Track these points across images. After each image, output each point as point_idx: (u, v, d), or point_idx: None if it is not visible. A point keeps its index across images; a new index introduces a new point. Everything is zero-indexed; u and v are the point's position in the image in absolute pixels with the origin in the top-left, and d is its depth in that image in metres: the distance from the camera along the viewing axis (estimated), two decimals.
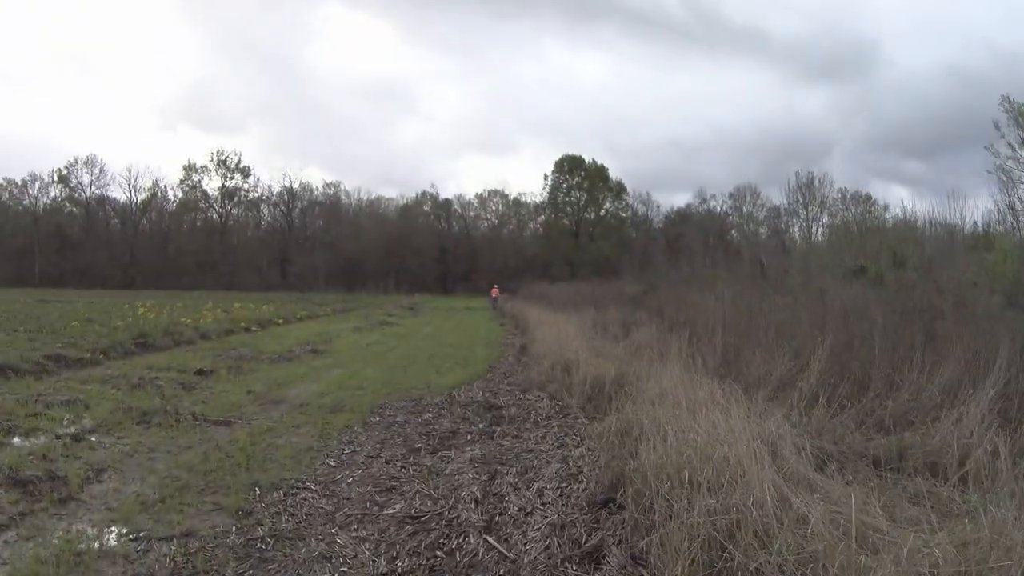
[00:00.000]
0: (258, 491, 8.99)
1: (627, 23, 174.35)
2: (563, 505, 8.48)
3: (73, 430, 11.62)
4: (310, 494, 8.99)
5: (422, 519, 8.16)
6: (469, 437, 12.34)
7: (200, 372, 18.84)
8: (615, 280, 56.43)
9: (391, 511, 8.44)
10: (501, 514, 8.28)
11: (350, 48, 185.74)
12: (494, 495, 8.98)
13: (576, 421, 13.31)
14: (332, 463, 10.46)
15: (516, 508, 8.44)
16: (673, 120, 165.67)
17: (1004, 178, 49.00)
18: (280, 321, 37.98)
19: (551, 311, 38.54)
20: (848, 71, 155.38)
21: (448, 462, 10.57)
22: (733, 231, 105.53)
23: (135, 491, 8.86)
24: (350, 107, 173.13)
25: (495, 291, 70.92)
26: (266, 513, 8.22)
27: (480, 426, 13.24)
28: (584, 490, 8.87)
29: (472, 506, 8.52)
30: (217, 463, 10.14)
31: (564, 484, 9.29)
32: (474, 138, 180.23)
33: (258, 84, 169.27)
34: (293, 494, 8.95)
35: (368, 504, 8.69)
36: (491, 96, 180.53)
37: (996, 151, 50.70)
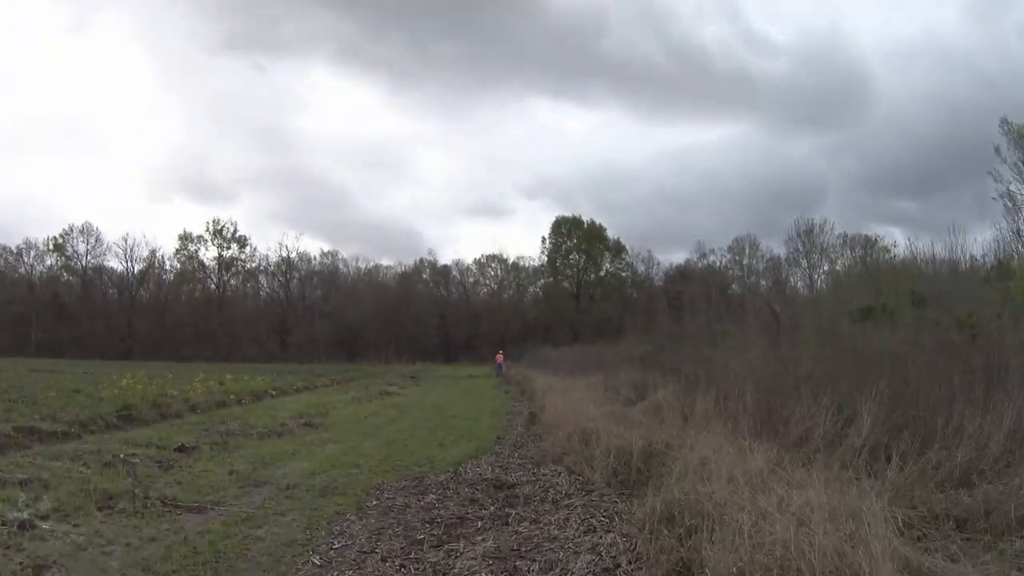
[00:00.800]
0: None
1: (612, 78, 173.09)
2: None
3: (25, 515, 9.88)
4: None
5: None
6: (480, 524, 10.61)
7: (181, 449, 17.10)
8: (619, 341, 55.72)
9: None
10: None
11: (338, 115, 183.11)
12: None
13: (602, 500, 11.63)
14: (318, 561, 8.80)
15: None
16: (663, 173, 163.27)
17: (1009, 204, 48.24)
18: (274, 393, 36.21)
19: (558, 376, 37.36)
20: (836, 111, 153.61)
21: (456, 557, 8.90)
22: (734, 284, 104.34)
23: None
24: (342, 174, 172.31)
25: (500, 357, 68.89)
26: None
27: (491, 509, 11.51)
28: None
29: None
30: (180, 562, 8.53)
31: None
32: (467, 202, 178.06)
33: (249, 153, 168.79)
34: None
35: None
36: (480, 159, 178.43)
37: (998, 175, 50.07)
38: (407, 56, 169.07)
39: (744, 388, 16.10)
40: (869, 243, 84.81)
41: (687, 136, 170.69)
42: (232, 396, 31.38)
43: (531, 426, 22.73)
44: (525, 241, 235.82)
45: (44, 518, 10.06)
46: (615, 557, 8.33)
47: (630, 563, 7.99)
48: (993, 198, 47.42)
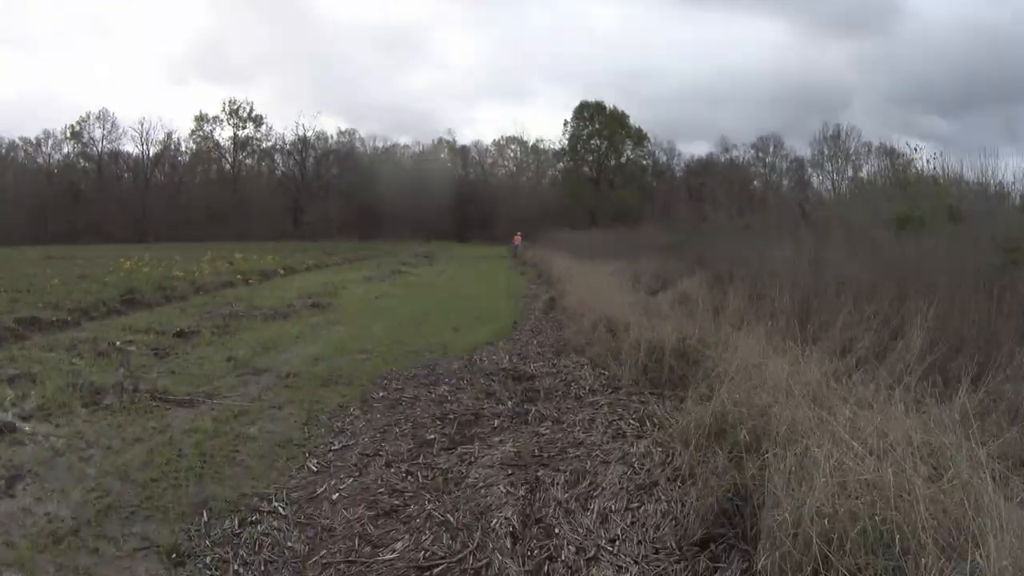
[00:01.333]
0: (206, 517, 6.42)
1: None
2: (640, 542, 5.85)
3: (9, 416, 8.97)
4: (276, 522, 6.37)
5: (435, 570, 5.51)
6: (496, 423, 9.58)
7: (180, 334, 16.13)
8: (638, 229, 53.89)
9: (389, 555, 5.80)
10: (551, 559, 5.67)
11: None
12: (538, 523, 6.33)
13: (630, 399, 10.64)
14: (314, 466, 7.79)
15: (573, 549, 5.80)
16: (690, 68, 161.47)
17: None
18: (283, 272, 35.15)
19: (576, 260, 36.22)
20: (870, 21, 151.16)
21: (471, 463, 7.87)
22: (755, 181, 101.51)
23: (47, 513, 6.40)
24: (362, 55, 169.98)
25: (517, 238, 68.16)
26: (209, 559, 5.65)
27: (509, 404, 10.50)
28: (668, 517, 6.24)
29: (508, 544, 5.89)
30: (162, 468, 7.56)
31: (634, 503, 6.65)
32: (488, 85, 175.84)
33: (267, 33, 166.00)
34: (252, 523, 6.35)
35: (357, 542, 6.07)
36: (504, 43, 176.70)
37: None
38: None
39: (780, 286, 15.01)
40: (896, 154, 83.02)
41: (718, 30, 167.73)
42: (239, 276, 30.52)
43: (550, 311, 21.63)
44: (546, 125, 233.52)
45: (27, 418, 9.17)
46: (650, 471, 7.32)
47: (669, 480, 6.99)
48: None
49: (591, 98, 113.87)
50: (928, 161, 29.30)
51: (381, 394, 11.10)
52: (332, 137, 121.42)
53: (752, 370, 8.50)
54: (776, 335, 11.24)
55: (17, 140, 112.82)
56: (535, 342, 16.51)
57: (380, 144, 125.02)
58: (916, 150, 44.96)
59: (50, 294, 21.59)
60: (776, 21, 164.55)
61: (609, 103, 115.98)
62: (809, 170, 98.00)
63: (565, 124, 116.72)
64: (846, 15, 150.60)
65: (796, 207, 27.03)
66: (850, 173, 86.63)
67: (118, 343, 14.48)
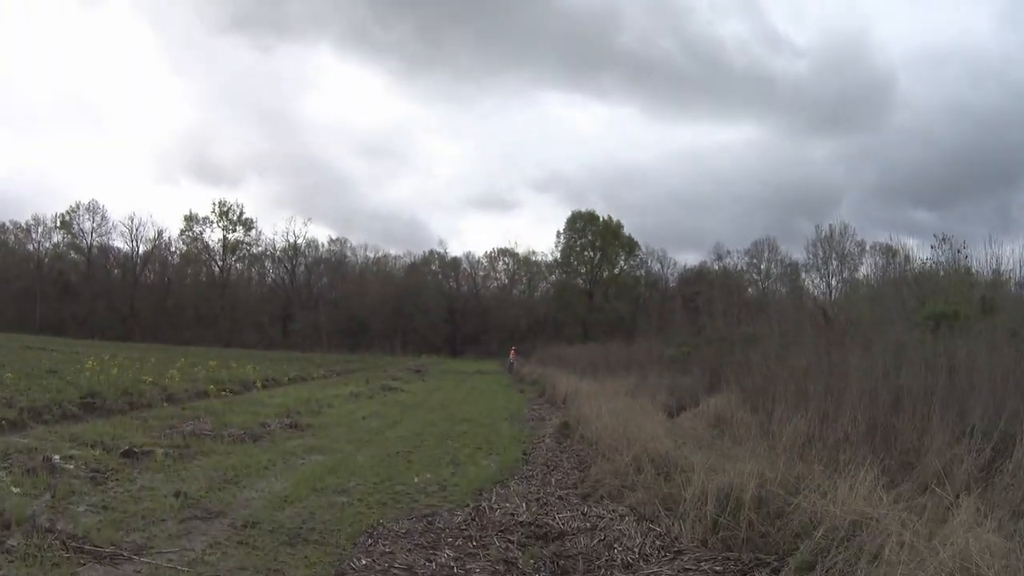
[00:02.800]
0: None
1: (626, 74, 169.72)
2: None
3: None
4: None
5: None
6: None
7: (129, 453, 13.34)
8: (633, 341, 53.57)
9: None
10: None
11: (345, 100, 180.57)
12: None
13: (699, 567, 7.93)
14: None
15: None
16: (676, 174, 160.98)
17: None
18: (263, 384, 32.00)
19: (578, 377, 33.83)
20: (856, 116, 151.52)
21: None
22: (750, 288, 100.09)
23: None
24: (347, 161, 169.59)
25: (513, 353, 65.29)
26: None
27: None
28: None
29: None
30: None
31: None
32: (474, 193, 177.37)
33: (255, 136, 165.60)
34: None
35: None
36: (488, 150, 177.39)
37: None
38: (415, 41, 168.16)
39: (843, 402, 13.19)
40: (892, 251, 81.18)
41: (702, 136, 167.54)
42: (216, 386, 27.70)
43: (564, 439, 19.03)
44: (535, 236, 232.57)
45: None
46: None
47: None
48: None
49: (576, 205, 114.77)
50: (930, 256, 27.76)
51: (364, 561, 8.17)
52: (323, 245, 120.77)
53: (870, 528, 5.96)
54: (853, 462, 9.20)
55: (7, 223, 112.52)
56: (553, 481, 13.69)
57: (371, 254, 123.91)
58: (912, 248, 43.92)
59: (7, 388, 19.46)
60: (762, 125, 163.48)
61: (597, 211, 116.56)
62: (803, 275, 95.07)
63: (558, 235, 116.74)
64: (833, 113, 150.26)
65: (817, 311, 24.70)
66: (846, 274, 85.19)
67: (55, 458, 11.93)
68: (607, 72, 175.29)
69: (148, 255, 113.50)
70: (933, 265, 27.21)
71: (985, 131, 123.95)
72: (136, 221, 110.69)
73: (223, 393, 26.84)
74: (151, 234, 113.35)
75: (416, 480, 13.11)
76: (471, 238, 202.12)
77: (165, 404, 22.36)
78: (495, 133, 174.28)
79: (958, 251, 27.91)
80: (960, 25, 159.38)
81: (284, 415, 21.21)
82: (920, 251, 32.45)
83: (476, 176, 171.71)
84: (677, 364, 30.71)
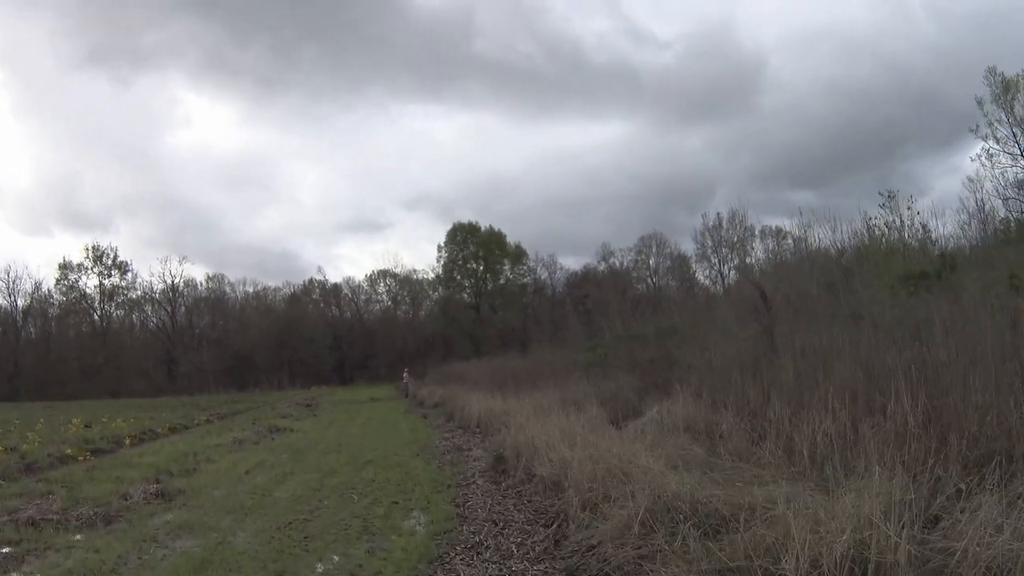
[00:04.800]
0: None
1: (485, 80, 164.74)
2: None
3: None
4: None
5: None
6: None
7: None
8: (527, 351, 53.79)
9: None
10: None
11: (203, 130, 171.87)
12: None
13: None
14: None
15: None
16: (548, 178, 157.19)
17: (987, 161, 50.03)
18: (128, 442, 27.07)
19: (488, 394, 30.04)
20: (727, 103, 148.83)
21: None
22: (639, 285, 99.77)
23: None
24: (214, 195, 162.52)
25: (406, 375, 61.20)
26: None
27: None
28: None
29: None
30: None
31: None
32: (345, 218, 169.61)
33: (120, 176, 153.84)
34: None
35: None
36: (353, 171, 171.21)
37: (982, 130, 47.96)
38: (270, 62, 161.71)
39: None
40: (784, 233, 79.82)
41: (571, 137, 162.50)
42: (77, 449, 23.64)
43: (500, 478, 15.33)
44: (412, 255, 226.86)
45: None
46: None
47: None
48: (973, 157, 49.76)
49: (448, 220, 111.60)
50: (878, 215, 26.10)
51: None
52: (201, 284, 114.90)
53: None
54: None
55: None
56: (515, 549, 9.90)
57: (250, 288, 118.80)
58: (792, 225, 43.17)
59: None
60: (631, 120, 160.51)
61: (485, 223, 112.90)
62: (693, 266, 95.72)
63: (439, 249, 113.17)
64: (703, 102, 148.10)
65: (754, 292, 21.89)
66: (736, 261, 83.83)
67: None
68: (466, 80, 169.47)
69: (27, 309, 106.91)
70: (874, 231, 25.75)
71: (860, 106, 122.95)
72: (12, 275, 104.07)
73: (85, 457, 22.68)
74: (28, 287, 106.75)
75: (319, 571, 9.32)
76: (347, 263, 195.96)
77: (24, 475, 18.94)
78: (357, 153, 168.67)
79: (908, 207, 26.42)
80: (828, 2, 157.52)
81: (153, 479, 17.13)
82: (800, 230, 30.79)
83: (343, 200, 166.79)
84: (593, 369, 27.67)
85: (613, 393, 21.57)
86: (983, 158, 51.03)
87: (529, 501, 12.72)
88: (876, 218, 26.53)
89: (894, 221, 26.50)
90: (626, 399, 20.48)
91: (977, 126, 51.86)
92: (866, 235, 26.47)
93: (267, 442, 26.26)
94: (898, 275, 19.59)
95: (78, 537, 11.99)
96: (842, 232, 25.58)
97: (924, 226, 25.29)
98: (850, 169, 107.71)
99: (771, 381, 14.24)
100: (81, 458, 22.45)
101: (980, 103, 50.71)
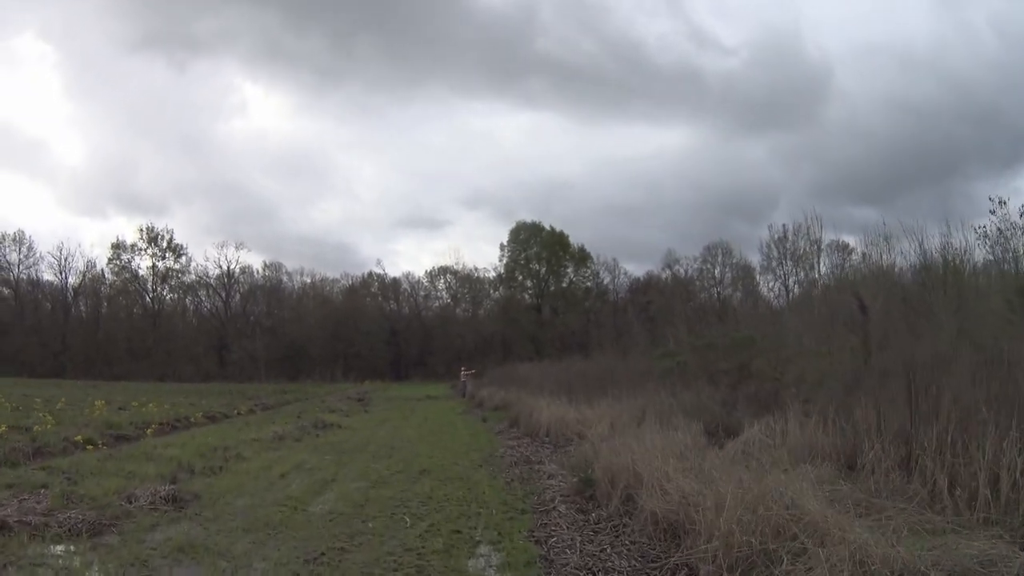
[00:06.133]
0: None
1: (547, 80, 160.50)
2: None
3: None
4: None
5: None
6: None
7: None
8: (589, 356, 51.20)
9: None
10: None
11: (260, 118, 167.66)
12: None
13: None
14: None
15: None
16: (606, 182, 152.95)
17: None
18: (148, 431, 23.73)
19: (553, 398, 27.34)
20: (791, 114, 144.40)
21: None
22: (701, 294, 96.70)
23: None
24: (269, 185, 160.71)
25: (464, 374, 57.66)
26: None
27: None
28: None
29: None
30: None
31: None
32: (403, 214, 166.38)
33: (177, 160, 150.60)
34: None
35: None
36: (410, 166, 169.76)
37: None
38: (328, 51, 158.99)
39: None
40: (849, 248, 76.67)
41: (631, 141, 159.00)
42: (105, 431, 21.66)
43: (589, 505, 12.25)
44: (470, 253, 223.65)
45: None
46: None
47: None
48: None
49: (507, 220, 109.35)
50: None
51: None
52: (258, 271, 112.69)
53: None
54: None
55: None
56: None
57: (307, 279, 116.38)
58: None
59: None
60: (694, 127, 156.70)
61: (547, 223, 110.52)
62: (758, 277, 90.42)
63: (502, 248, 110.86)
64: (766, 111, 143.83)
65: (853, 300, 19.70)
66: (801, 275, 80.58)
67: None
68: (528, 79, 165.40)
69: (80, 288, 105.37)
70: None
71: (922, 122, 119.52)
72: (64, 252, 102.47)
73: (102, 444, 20.17)
74: (80, 265, 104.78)
75: None
76: (405, 259, 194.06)
77: (32, 459, 16.85)
78: (414, 148, 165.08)
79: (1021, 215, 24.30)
80: (891, 14, 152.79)
81: (169, 477, 14.54)
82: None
83: (400, 195, 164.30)
84: (670, 378, 24.83)
85: (697, 406, 19.11)
86: None
87: (633, 543, 9.72)
88: (982, 227, 24.23)
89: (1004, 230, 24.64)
90: (712, 413, 18.13)
91: None
92: (949, 251, 24.04)
93: (311, 439, 23.41)
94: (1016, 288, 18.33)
95: (53, 550, 9.46)
96: (927, 246, 23.77)
97: None
98: (910, 187, 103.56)
99: (882, 399, 12.32)
100: (98, 445, 19.92)
101: None
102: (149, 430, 23.58)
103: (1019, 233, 24.06)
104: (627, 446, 12.84)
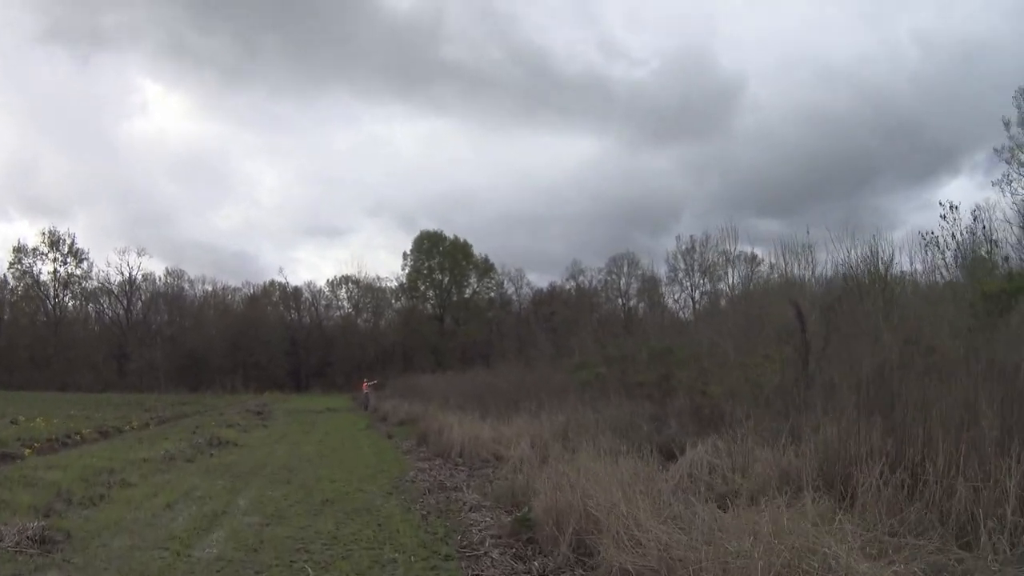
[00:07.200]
0: None
1: (455, 85, 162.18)
2: None
3: None
4: None
5: None
6: None
7: None
8: (491, 367, 52.86)
9: None
10: None
11: (158, 121, 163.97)
12: None
13: None
14: None
15: None
16: (510, 191, 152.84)
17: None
18: (26, 452, 21.10)
19: (463, 413, 26.11)
20: (701, 123, 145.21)
21: None
22: (607, 305, 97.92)
23: None
24: (170, 188, 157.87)
25: (366, 385, 56.02)
26: None
27: None
28: None
29: None
30: None
31: None
32: (304, 221, 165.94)
33: (78, 160, 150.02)
34: None
35: None
36: (313, 172, 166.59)
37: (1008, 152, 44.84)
38: (232, 52, 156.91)
39: None
40: (758, 260, 76.60)
41: (536, 151, 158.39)
42: None
43: (525, 550, 10.31)
44: (371, 263, 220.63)
45: None
46: None
47: None
48: (993, 182, 45.70)
49: (409, 229, 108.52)
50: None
51: None
52: (160, 278, 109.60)
53: None
54: None
55: None
56: None
57: (209, 287, 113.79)
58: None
59: None
60: (601, 137, 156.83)
61: (451, 232, 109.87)
62: (663, 289, 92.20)
63: (404, 257, 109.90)
64: (675, 122, 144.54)
65: (791, 307, 19.01)
66: (708, 286, 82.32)
67: None
68: (433, 85, 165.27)
69: None
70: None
71: (836, 135, 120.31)
72: None
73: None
74: None
75: None
76: (305, 268, 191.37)
77: None
78: (316, 154, 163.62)
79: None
80: (812, 27, 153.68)
81: (44, 509, 12.81)
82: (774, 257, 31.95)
83: (302, 202, 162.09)
84: (591, 391, 24.04)
85: (625, 422, 17.74)
86: (1003, 184, 46.80)
87: None
88: (930, 234, 24.19)
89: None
90: (642, 431, 16.60)
91: (1003, 147, 48.20)
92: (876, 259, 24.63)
93: (204, 459, 21.45)
94: (980, 293, 17.93)
95: None
96: (853, 255, 24.38)
97: (993, 241, 23.23)
98: (819, 199, 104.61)
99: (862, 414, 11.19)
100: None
101: (1007, 124, 47.01)
102: (28, 451, 21.22)
103: (970, 236, 24.09)
104: (565, 475, 11.17)
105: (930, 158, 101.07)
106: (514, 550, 10.41)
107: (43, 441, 23.43)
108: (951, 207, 23.79)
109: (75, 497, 14.16)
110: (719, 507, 9.29)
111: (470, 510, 13.45)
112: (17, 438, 23.12)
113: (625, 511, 8.82)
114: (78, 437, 26.12)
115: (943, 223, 24.14)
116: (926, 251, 23.92)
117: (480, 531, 11.72)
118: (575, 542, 9.49)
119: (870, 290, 23.24)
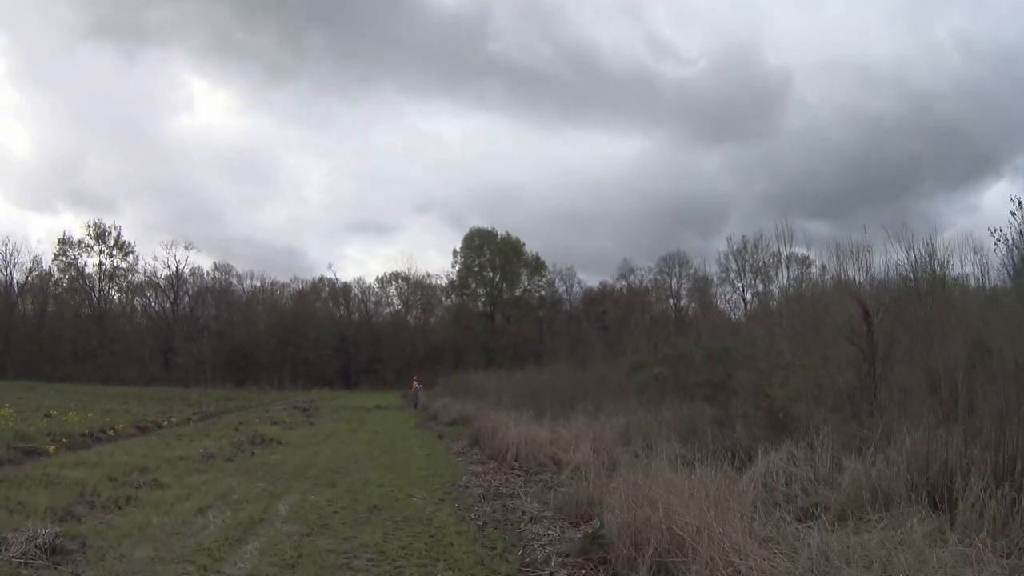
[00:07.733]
0: None
1: (502, 82, 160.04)
2: None
3: None
4: None
5: None
6: None
7: None
8: (543, 365, 50.61)
9: None
10: None
11: (205, 117, 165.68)
12: None
13: None
14: None
15: None
16: (557, 189, 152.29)
17: None
18: (50, 448, 19.53)
19: (517, 413, 24.77)
20: (748, 125, 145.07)
21: None
22: (658, 305, 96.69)
23: None
24: (216, 185, 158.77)
25: (416, 384, 54.78)
26: None
27: None
28: None
29: None
30: None
31: None
32: (353, 218, 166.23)
33: (124, 156, 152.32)
34: None
35: None
36: (360, 169, 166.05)
37: None
38: (278, 48, 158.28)
39: None
40: (809, 262, 74.96)
41: (585, 148, 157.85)
42: (10, 445, 18.56)
43: (596, 571, 8.99)
44: (420, 260, 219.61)
45: None
46: None
47: None
48: None
49: (457, 226, 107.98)
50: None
51: None
52: (208, 273, 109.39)
53: None
54: None
55: None
56: None
57: (257, 283, 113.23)
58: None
59: None
60: (649, 136, 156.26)
61: (502, 230, 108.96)
62: (714, 289, 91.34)
63: (455, 255, 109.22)
64: (724, 121, 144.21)
65: (857, 306, 17.76)
66: (760, 287, 79.24)
67: None
68: (480, 82, 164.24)
69: (25, 285, 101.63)
70: None
71: (878, 136, 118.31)
72: (10, 248, 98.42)
73: (7, 462, 17.06)
74: (26, 262, 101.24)
75: None
76: (353, 264, 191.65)
77: None
78: (363, 151, 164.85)
79: None
80: (854, 29, 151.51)
81: (62, 512, 11.56)
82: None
83: (349, 198, 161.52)
84: (649, 392, 22.73)
85: (688, 425, 16.40)
86: None
87: None
88: (999, 231, 22.74)
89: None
90: (704, 434, 15.12)
91: None
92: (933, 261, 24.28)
93: (244, 458, 20.20)
94: None
95: None
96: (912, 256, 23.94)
97: None
98: (865, 202, 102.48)
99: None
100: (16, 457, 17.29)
101: None
102: (52, 447, 19.80)
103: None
104: (640, 487, 9.70)
105: (972, 161, 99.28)
106: (584, 572, 9.15)
107: (74, 436, 22.37)
108: (1020, 203, 22.28)
109: (99, 499, 12.93)
110: (799, 521, 8.46)
111: (530, 521, 12.09)
112: (48, 432, 21.98)
113: (720, 532, 7.44)
114: (112, 432, 25.04)
115: (1012, 220, 22.67)
116: (995, 247, 22.45)
117: (543, 547, 10.39)
118: (655, 565, 8.07)
119: (928, 292, 22.59)
